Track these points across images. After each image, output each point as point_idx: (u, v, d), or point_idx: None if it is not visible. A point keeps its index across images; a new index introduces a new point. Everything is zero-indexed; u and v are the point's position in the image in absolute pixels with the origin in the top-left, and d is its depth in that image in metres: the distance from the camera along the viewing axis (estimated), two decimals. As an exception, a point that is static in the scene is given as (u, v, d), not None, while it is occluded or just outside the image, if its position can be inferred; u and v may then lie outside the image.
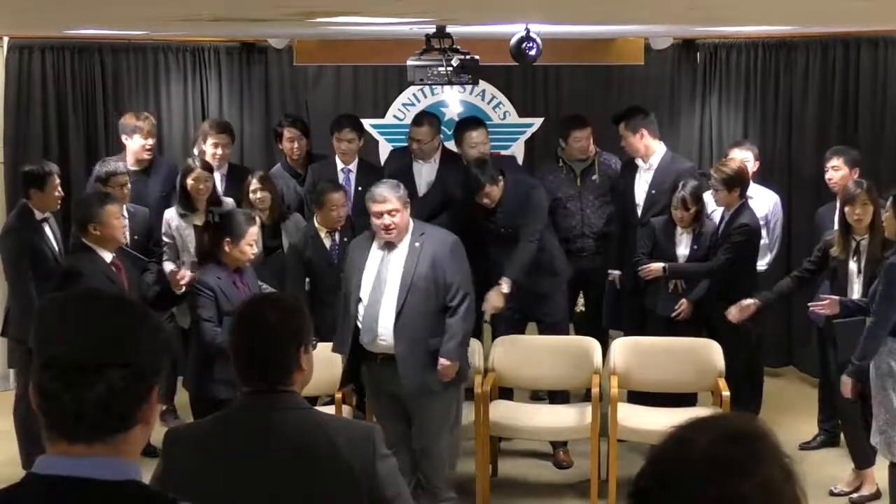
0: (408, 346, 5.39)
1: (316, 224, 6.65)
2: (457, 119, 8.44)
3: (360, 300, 5.47)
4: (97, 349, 1.70)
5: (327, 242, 6.63)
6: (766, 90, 8.51)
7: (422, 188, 7.18)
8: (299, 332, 2.80)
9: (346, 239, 6.52)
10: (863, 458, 6.12)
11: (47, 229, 6.35)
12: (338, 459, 2.70)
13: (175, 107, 8.61)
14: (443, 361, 5.42)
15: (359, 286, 5.47)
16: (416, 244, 5.44)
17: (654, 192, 7.08)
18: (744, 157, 7.04)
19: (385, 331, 5.41)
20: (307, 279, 6.61)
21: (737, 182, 6.53)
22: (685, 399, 6.48)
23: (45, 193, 6.29)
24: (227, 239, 5.56)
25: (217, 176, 7.26)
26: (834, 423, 6.69)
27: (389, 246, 5.46)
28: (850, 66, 8.13)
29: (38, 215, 6.30)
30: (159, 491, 1.81)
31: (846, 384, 5.57)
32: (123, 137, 7.33)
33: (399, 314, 5.37)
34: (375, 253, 5.50)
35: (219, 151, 7.34)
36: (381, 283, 5.43)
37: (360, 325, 5.47)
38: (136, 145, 7.27)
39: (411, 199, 5.76)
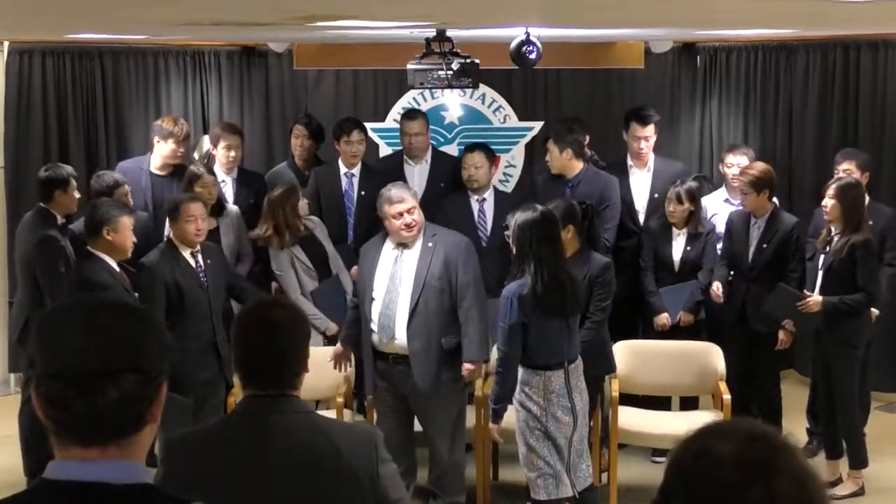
0: (422, 344, 5.50)
1: (174, 241, 5.95)
2: (457, 122, 8.46)
3: (373, 300, 5.55)
4: (109, 356, 1.72)
5: (191, 262, 5.91)
6: (766, 93, 8.52)
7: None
8: (308, 333, 2.82)
9: (209, 261, 5.96)
10: (857, 457, 6.18)
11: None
12: (342, 463, 2.70)
13: (175, 111, 8.57)
14: (467, 366, 5.54)
15: (372, 286, 5.55)
16: (430, 244, 5.53)
17: (656, 195, 7.00)
18: (739, 162, 7.00)
19: (401, 330, 5.49)
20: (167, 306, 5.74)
21: (765, 183, 6.42)
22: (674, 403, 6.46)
23: (68, 195, 6.24)
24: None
25: (228, 180, 7.25)
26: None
27: (403, 246, 5.54)
28: (850, 69, 8.13)
29: (59, 219, 6.23)
30: (173, 493, 1.82)
31: None
32: (155, 139, 7.23)
33: (413, 313, 5.46)
34: (389, 253, 5.58)
35: (232, 154, 7.29)
36: (397, 282, 5.52)
37: (373, 325, 5.56)
38: (166, 150, 7.16)
39: None
